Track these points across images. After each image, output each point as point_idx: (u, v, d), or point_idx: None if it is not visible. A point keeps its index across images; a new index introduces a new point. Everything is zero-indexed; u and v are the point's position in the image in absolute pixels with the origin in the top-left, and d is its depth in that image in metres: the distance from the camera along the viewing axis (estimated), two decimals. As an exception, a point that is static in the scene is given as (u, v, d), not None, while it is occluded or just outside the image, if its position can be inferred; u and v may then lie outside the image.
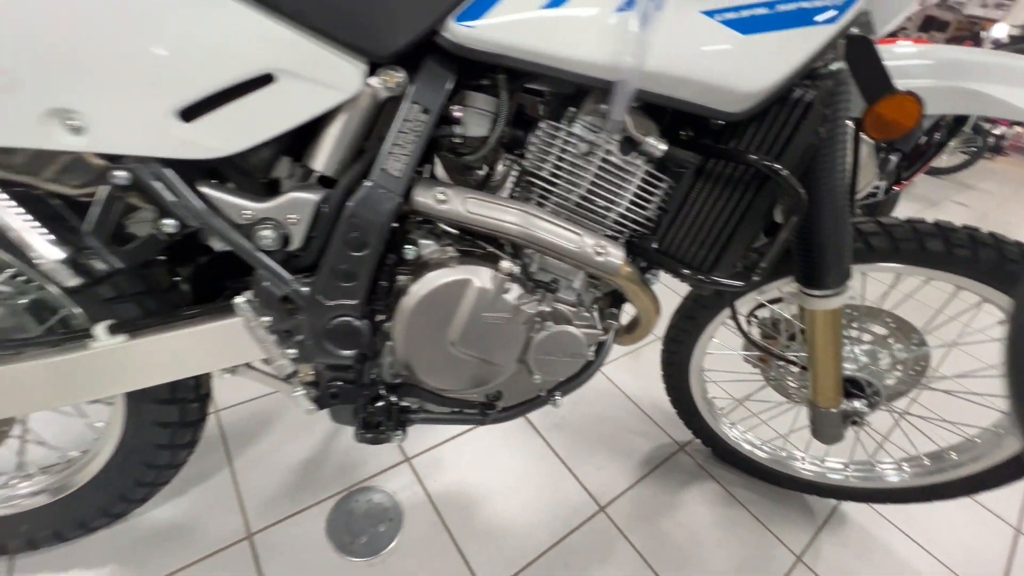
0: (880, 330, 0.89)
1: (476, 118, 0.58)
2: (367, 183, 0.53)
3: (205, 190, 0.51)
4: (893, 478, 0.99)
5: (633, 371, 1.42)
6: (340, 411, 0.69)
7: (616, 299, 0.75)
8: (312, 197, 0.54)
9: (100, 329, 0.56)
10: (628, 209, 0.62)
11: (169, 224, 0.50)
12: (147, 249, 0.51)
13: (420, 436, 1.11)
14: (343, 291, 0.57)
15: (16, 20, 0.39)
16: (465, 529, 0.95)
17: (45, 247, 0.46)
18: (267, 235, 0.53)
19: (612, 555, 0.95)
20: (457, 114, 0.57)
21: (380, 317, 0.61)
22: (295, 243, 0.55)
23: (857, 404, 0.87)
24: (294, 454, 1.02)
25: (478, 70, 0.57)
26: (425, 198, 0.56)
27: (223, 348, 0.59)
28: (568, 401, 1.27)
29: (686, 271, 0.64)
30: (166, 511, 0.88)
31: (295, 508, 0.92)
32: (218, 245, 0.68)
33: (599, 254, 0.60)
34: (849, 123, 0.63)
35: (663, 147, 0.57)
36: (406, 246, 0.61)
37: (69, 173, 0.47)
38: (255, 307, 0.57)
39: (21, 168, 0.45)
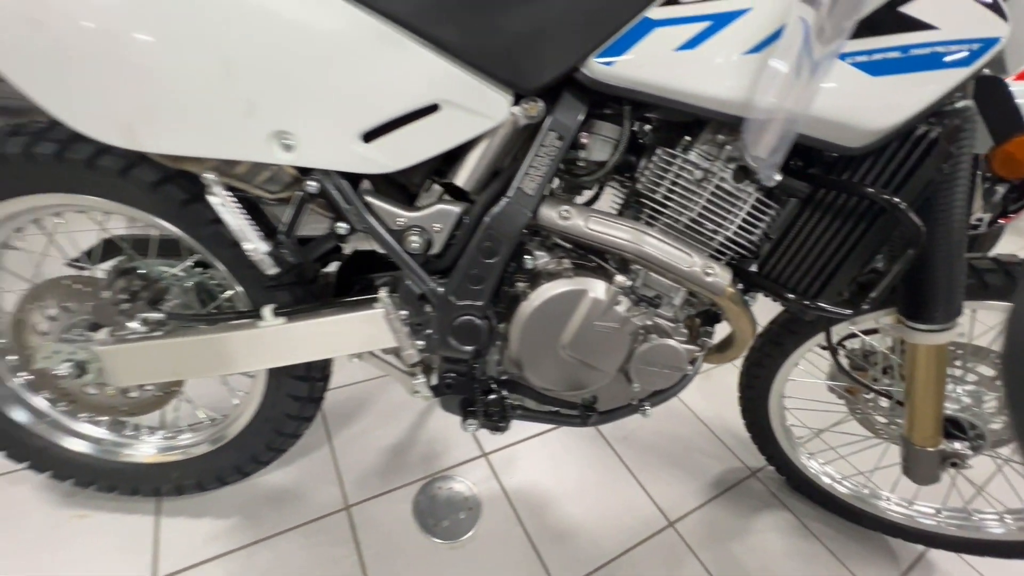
0: (987, 371, 0.86)
1: (600, 144, 0.64)
2: (505, 199, 0.60)
3: (369, 199, 0.60)
4: (995, 529, 0.93)
5: (703, 391, 1.41)
6: (448, 401, 0.76)
7: (708, 318, 0.77)
8: (455, 209, 0.62)
9: (267, 311, 0.67)
10: (735, 233, 0.66)
11: (342, 227, 0.59)
12: (321, 246, 0.61)
13: (494, 434, 1.17)
14: (471, 293, 0.64)
15: (259, 61, 0.49)
16: (538, 526, 0.99)
17: (258, 241, 0.56)
18: (415, 240, 0.61)
19: (681, 571, 0.96)
20: (584, 140, 0.63)
21: (497, 318, 0.68)
22: (435, 248, 0.63)
23: (958, 446, 0.84)
24: (384, 438, 1.11)
25: (604, 101, 0.63)
26: (551, 214, 0.62)
27: (363, 334, 0.68)
28: (637, 416, 1.29)
29: (789, 295, 0.67)
30: (277, 476, 0.99)
31: (385, 487, 1.01)
32: (348, 247, 0.78)
33: (708, 274, 0.63)
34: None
35: (778, 177, 0.60)
36: (524, 256, 0.67)
37: (271, 182, 0.58)
38: (395, 302, 0.66)
39: (241, 176, 0.56)
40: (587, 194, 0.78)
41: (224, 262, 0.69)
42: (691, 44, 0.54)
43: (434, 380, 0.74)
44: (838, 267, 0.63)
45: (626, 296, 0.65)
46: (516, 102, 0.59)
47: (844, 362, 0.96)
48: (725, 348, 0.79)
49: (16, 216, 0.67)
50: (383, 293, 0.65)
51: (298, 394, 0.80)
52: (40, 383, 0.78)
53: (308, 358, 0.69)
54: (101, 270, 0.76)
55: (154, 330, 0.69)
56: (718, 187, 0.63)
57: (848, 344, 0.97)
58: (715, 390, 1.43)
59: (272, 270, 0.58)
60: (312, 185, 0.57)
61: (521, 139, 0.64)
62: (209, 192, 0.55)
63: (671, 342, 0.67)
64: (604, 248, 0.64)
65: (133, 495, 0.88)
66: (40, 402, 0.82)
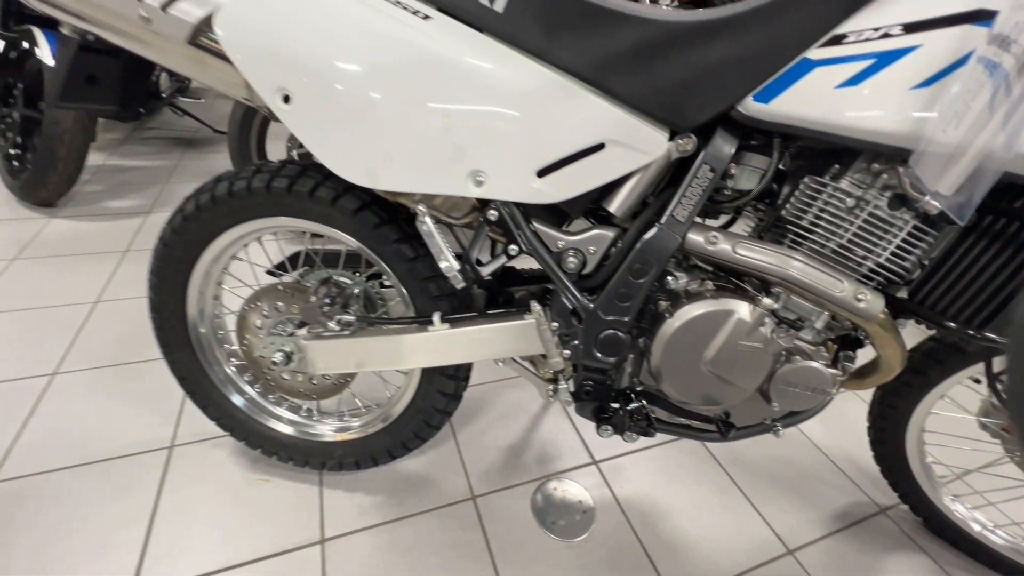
0: None
1: (748, 173, 0.68)
2: (657, 226, 0.66)
3: (535, 224, 0.69)
4: None
5: (821, 419, 1.35)
6: (583, 407, 0.82)
7: (850, 343, 0.77)
8: (609, 234, 0.69)
9: (437, 318, 0.78)
10: (887, 260, 0.66)
11: (514, 248, 0.69)
12: (495, 264, 0.71)
13: (604, 443, 1.22)
14: (618, 309, 0.70)
15: (468, 115, 0.60)
16: (651, 536, 1.02)
17: (452, 260, 0.68)
18: (572, 261, 0.69)
19: (804, 601, 0.94)
20: (732, 171, 0.67)
21: (637, 332, 0.74)
22: (588, 268, 0.70)
23: None
24: (502, 438, 1.20)
25: (754, 133, 0.67)
26: (698, 239, 0.67)
27: (514, 342, 0.77)
28: (749, 440, 1.26)
29: (950, 324, 0.65)
30: (413, 464, 1.12)
31: (506, 483, 1.09)
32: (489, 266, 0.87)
33: (859, 300, 0.64)
34: None
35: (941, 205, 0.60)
36: (667, 277, 0.72)
37: (458, 210, 0.69)
38: (548, 314, 0.74)
39: (437, 206, 0.68)
40: (722, 217, 0.82)
41: (398, 275, 0.82)
42: (853, 81, 0.57)
43: (572, 387, 0.81)
44: (1010, 296, 0.61)
45: (770, 318, 0.67)
46: (671, 137, 0.65)
47: (992, 398, 0.89)
48: (867, 374, 0.78)
49: (249, 234, 0.85)
50: (536, 306, 0.74)
51: (446, 391, 0.91)
52: (246, 367, 0.97)
53: (466, 360, 0.79)
54: (293, 276, 0.93)
55: (344, 329, 0.83)
56: (871, 215, 0.64)
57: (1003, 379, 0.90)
58: (834, 417, 1.35)
59: (460, 284, 0.69)
60: (493, 213, 0.67)
61: (670, 170, 0.70)
62: (419, 220, 0.67)
63: (815, 364, 0.69)
64: (748, 271, 0.67)
65: (304, 467, 1.05)
66: (245, 384, 1.01)
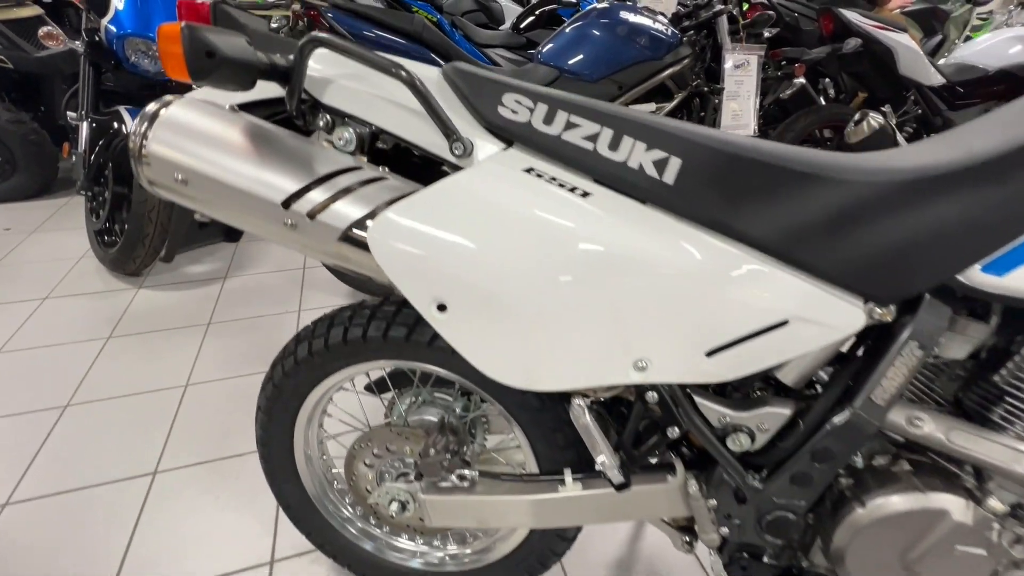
0: None
1: (959, 343, 0.57)
2: (851, 408, 0.56)
3: (697, 399, 0.61)
4: None
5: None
6: (734, 577, 0.73)
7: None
8: (785, 411, 0.59)
9: (568, 477, 0.71)
10: None
11: (674, 431, 0.61)
12: (653, 452, 0.63)
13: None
14: (795, 493, 0.61)
15: (638, 307, 0.53)
16: None
17: (611, 456, 0.61)
18: (740, 439, 0.60)
19: None
20: (941, 339, 0.57)
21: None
22: (756, 445, 0.61)
23: None
24: (607, 552, 1.11)
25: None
26: (899, 420, 0.57)
27: (658, 507, 0.68)
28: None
29: None
30: (515, 583, 1.05)
31: (618, 611, 1.01)
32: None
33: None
34: None
35: None
36: (848, 450, 0.62)
37: (610, 391, 0.62)
38: (704, 490, 0.65)
39: (593, 391, 0.61)
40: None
41: (521, 423, 0.75)
42: None
43: (724, 558, 0.72)
44: None
45: (997, 520, 0.56)
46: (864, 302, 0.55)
47: None
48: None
49: (359, 372, 0.81)
50: (689, 480, 0.65)
51: (564, 535, 0.84)
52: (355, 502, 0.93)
53: (599, 523, 0.72)
54: (385, 399, 0.89)
55: (463, 481, 0.77)
56: None
57: None
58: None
59: (619, 480, 0.62)
60: (653, 395, 0.59)
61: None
62: (575, 414, 0.61)
63: (1053, 572, 0.56)
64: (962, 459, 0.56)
65: (405, 593, 1.00)
66: (369, 526, 0.98)
